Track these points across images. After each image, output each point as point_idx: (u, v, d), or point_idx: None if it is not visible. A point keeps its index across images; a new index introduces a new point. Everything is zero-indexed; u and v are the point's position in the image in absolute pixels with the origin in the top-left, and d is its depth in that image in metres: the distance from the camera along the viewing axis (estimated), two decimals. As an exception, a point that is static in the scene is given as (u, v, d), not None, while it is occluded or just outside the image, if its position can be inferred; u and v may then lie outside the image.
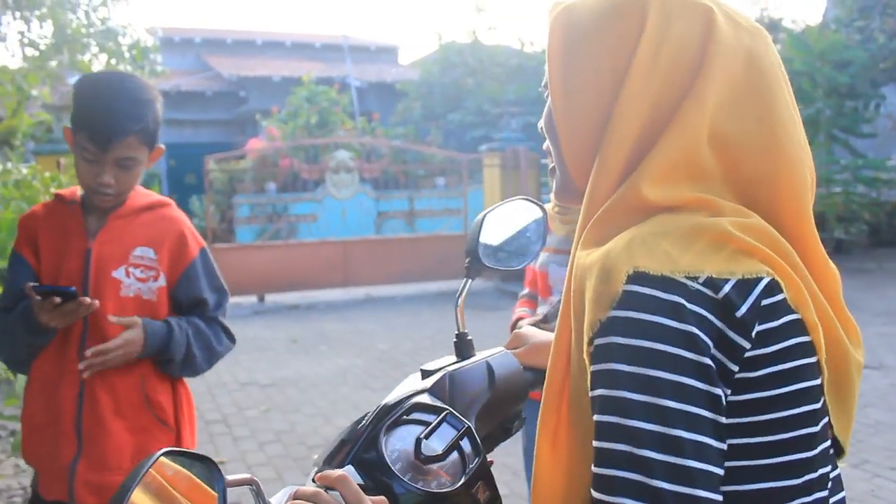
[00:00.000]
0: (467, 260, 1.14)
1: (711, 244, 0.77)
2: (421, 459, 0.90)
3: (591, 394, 0.76)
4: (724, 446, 0.74)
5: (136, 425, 1.91)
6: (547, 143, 0.98)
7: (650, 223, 0.79)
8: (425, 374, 1.06)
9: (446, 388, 1.02)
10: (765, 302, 0.76)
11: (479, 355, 1.11)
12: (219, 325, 2.07)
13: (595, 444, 0.75)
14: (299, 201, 11.61)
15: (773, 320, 0.76)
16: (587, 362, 0.77)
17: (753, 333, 0.75)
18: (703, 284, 0.74)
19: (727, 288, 0.75)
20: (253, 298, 10.52)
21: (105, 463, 1.86)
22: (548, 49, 0.91)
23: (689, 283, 0.74)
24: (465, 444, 0.94)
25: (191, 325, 1.98)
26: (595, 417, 0.75)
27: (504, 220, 1.17)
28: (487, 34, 16.94)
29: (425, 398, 0.99)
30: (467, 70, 16.39)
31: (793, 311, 0.78)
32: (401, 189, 12.54)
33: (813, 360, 0.79)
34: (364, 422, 0.96)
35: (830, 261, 0.86)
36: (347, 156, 11.76)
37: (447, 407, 0.97)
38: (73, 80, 12.28)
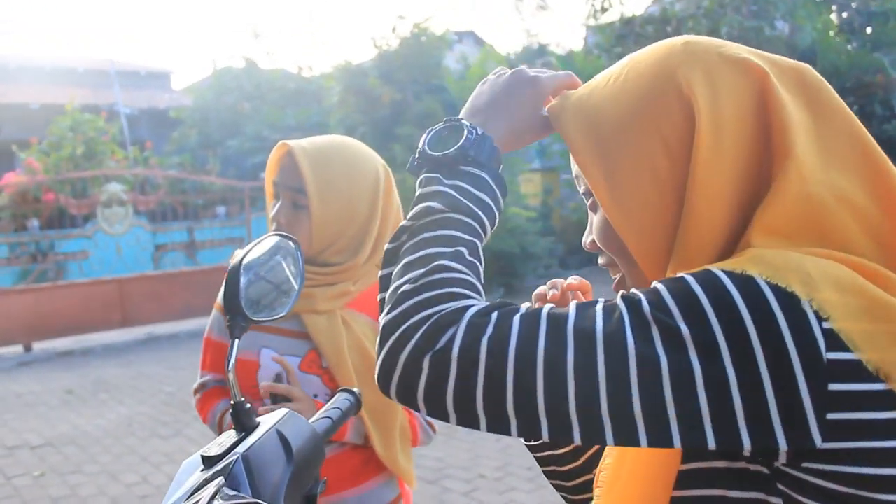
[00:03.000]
0: (228, 318, 0.97)
1: None
2: None
3: None
4: None
5: None
6: (607, 258, 0.89)
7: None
8: (209, 460, 0.88)
9: (244, 475, 0.87)
10: None
11: (264, 423, 0.95)
12: None
13: None
14: (67, 238, 10.73)
15: None
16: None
17: None
18: None
19: None
20: (18, 348, 9.57)
21: None
22: (574, 155, 0.84)
23: None
24: None
25: None
26: None
27: (260, 263, 1.04)
28: (265, 59, 16.65)
29: (224, 496, 0.82)
30: (244, 95, 16.02)
31: None
32: (179, 220, 11.94)
33: None
34: None
35: None
36: (119, 188, 11.04)
37: (256, 501, 0.81)
38: None
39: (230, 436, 0.93)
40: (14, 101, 17.12)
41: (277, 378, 1.60)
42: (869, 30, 10.41)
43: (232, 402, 0.94)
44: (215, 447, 0.90)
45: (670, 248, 0.78)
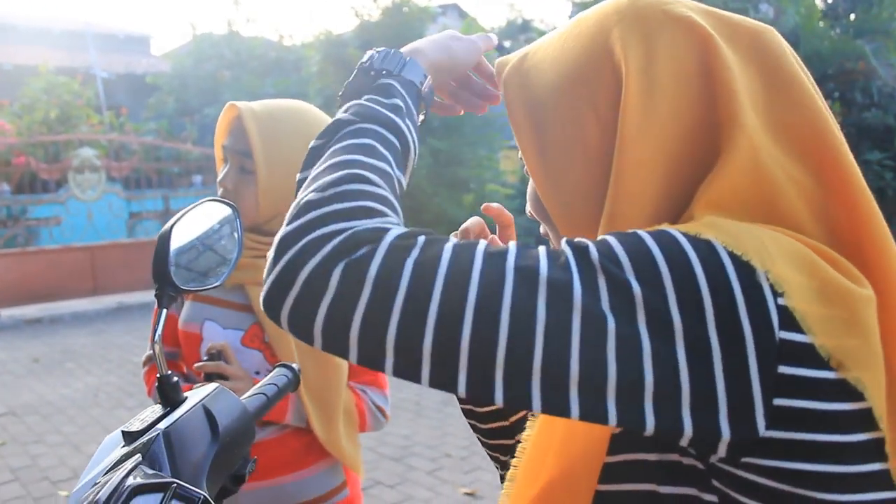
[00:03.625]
0: (157, 287, 0.92)
1: None
2: None
3: None
4: None
5: None
6: (544, 228, 0.83)
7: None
8: (129, 436, 0.84)
9: (163, 453, 0.82)
10: None
11: (191, 398, 0.90)
12: None
13: None
14: (39, 203, 10.56)
15: None
16: None
17: None
18: None
19: None
20: (-14, 314, 9.47)
21: None
22: (512, 121, 0.77)
23: None
24: None
25: None
26: None
27: (194, 230, 0.98)
28: (245, 26, 16.41)
29: (141, 474, 0.77)
30: (224, 63, 15.78)
31: None
32: (154, 188, 11.79)
33: None
34: None
35: None
36: (93, 153, 10.85)
37: (173, 479, 0.77)
38: None
39: (154, 411, 0.88)
40: (-13, 61, 16.78)
41: (211, 356, 1.52)
42: (853, 16, 10.39)
43: (158, 375, 0.89)
44: (137, 422, 0.85)
45: (598, 221, 0.71)
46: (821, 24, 10.21)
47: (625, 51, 0.71)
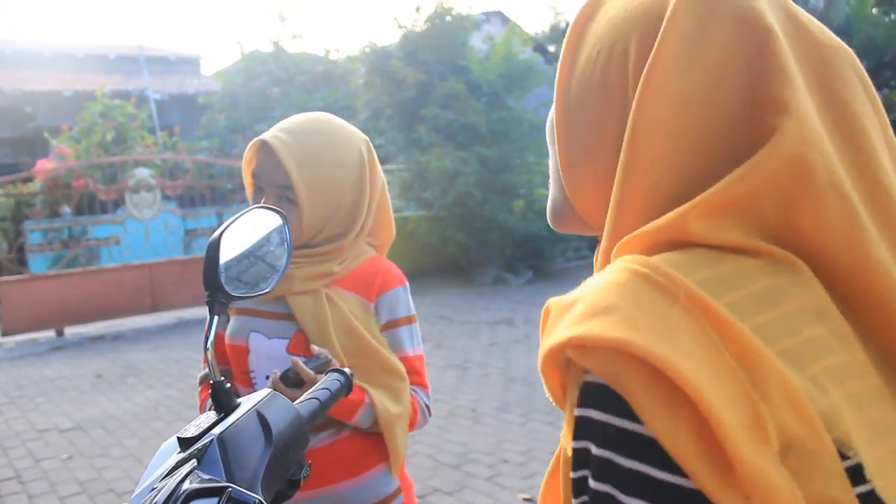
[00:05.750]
0: (207, 294, 0.93)
1: None
2: None
3: None
4: None
5: None
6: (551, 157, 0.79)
7: None
8: (184, 442, 0.85)
9: (218, 458, 0.83)
10: None
11: (244, 404, 0.91)
12: None
13: None
14: (98, 224, 10.84)
15: None
16: None
17: None
18: None
19: None
20: (50, 333, 9.72)
21: None
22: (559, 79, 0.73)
23: None
24: None
25: None
26: None
27: (243, 238, 0.99)
28: (291, 42, 16.62)
29: (196, 479, 0.79)
30: (272, 79, 16.02)
31: None
32: (208, 205, 12.02)
33: None
34: None
35: None
36: (148, 173, 11.11)
37: (228, 484, 0.78)
38: None
39: (209, 417, 0.89)
40: (47, 88, 17.30)
41: (285, 375, 1.49)
42: (907, 1, 10.10)
43: (211, 381, 0.90)
44: (192, 428, 0.86)
45: (601, 184, 0.67)
46: (874, 11, 9.95)
47: (678, 6, 0.63)
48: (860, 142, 0.60)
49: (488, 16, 16.64)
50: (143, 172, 10.95)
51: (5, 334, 9.35)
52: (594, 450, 0.54)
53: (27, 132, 17.90)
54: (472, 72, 11.31)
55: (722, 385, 0.49)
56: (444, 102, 11.17)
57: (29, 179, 11.70)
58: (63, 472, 4.83)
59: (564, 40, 0.75)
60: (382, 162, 10.87)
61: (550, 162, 0.79)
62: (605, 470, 0.53)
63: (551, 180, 0.79)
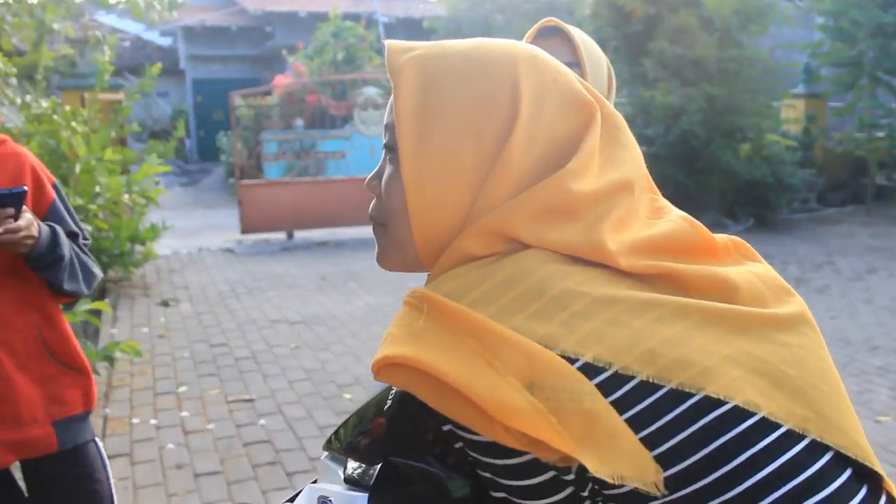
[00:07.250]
0: None
1: None
2: None
3: None
4: None
5: (42, 375, 1.93)
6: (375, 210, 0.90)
7: None
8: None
9: None
10: None
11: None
12: (87, 256, 2.03)
13: None
14: (327, 138, 11.47)
15: None
16: None
17: None
18: None
19: None
20: (282, 235, 10.52)
21: (19, 419, 1.88)
22: (396, 102, 0.81)
23: None
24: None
25: (70, 240, 1.96)
26: None
27: None
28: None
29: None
30: (497, 6, 16.04)
31: None
32: (429, 126, 12.35)
33: None
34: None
35: None
36: (375, 92, 11.56)
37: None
38: (96, 14, 12.10)
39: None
40: (285, 8, 18.33)
41: None
42: None
43: None
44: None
45: (452, 234, 0.79)
46: None
47: (525, 93, 0.78)
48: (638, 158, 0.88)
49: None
50: (370, 91, 11.40)
51: (243, 232, 10.23)
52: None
53: (266, 50, 19.12)
54: (705, 6, 10.73)
55: (461, 359, 0.66)
56: (672, 36, 10.70)
57: (267, 93, 12.57)
58: (291, 359, 5.28)
59: (409, 68, 0.84)
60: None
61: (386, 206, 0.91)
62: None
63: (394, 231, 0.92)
